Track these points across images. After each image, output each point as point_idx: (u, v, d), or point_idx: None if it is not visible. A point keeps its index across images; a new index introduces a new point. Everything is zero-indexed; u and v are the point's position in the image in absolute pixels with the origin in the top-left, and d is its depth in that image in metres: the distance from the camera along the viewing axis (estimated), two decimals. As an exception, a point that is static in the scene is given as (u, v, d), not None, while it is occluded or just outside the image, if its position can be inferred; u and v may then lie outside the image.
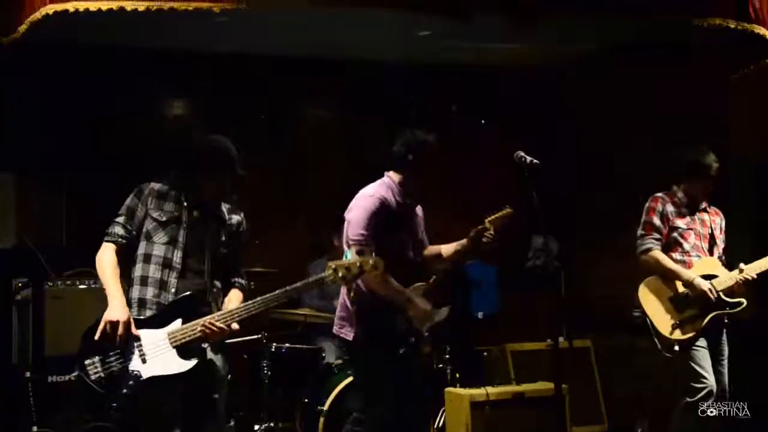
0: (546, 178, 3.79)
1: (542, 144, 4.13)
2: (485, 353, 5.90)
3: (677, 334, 4.41)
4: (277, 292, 3.55)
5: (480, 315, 6.10)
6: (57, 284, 5.06)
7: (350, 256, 3.58)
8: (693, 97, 5.73)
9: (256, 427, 4.97)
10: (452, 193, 5.05)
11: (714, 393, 4.37)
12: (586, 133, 6.61)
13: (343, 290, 4.05)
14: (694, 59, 5.50)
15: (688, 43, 5.31)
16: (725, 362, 4.50)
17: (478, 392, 4.84)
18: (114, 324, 3.36)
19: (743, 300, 4.45)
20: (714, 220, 4.66)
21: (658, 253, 4.50)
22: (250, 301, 3.56)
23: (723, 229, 4.70)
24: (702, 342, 4.44)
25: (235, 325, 3.50)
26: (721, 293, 4.41)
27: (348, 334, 3.99)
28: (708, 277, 4.45)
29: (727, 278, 4.44)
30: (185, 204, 3.61)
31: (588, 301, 4.93)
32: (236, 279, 3.79)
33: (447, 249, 4.22)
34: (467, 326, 6.03)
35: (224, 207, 3.72)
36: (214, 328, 3.44)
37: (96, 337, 3.38)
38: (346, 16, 4.90)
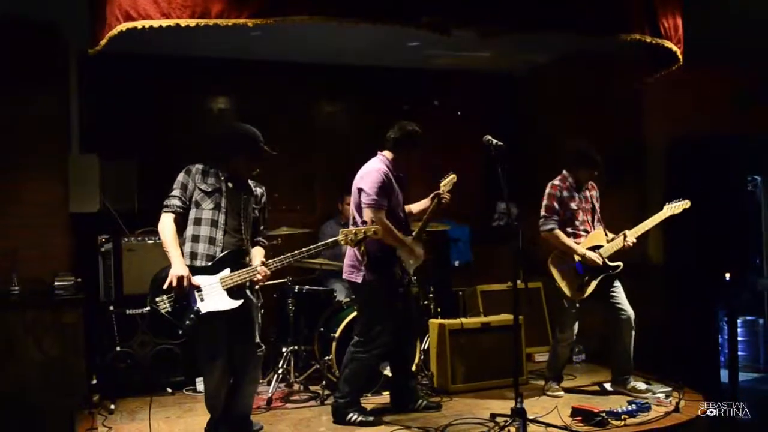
0: (507, 158, 3.93)
1: (502, 132, 4.19)
2: (460, 293, 5.99)
3: (578, 296, 4.56)
4: (304, 249, 3.71)
5: (456, 263, 6.22)
6: (131, 240, 5.10)
7: (365, 214, 3.79)
8: (618, 96, 5.73)
9: (284, 350, 5.01)
10: (434, 170, 5.11)
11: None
12: (536, 124, 6.61)
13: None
14: (619, 67, 5.50)
15: (614, 54, 5.29)
16: (620, 291, 4.64)
17: (455, 322, 4.95)
18: (178, 278, 3.48)
19: (620, 263, 4.56)
20: (592, 194, 4.72)
21: (558, 232, 4.56)
22: (288, 254, 3.68)
23: (597, 198, 4.75)
24: (617, 288, 4.62)
25: (268, 272, 3.65)
26: (606, 260, 4.53)
27: (357, 278, 4.16)
28: (595, 248, 4.56)
29: (609, 247, 4.56)
30: (222, 178, 3.69)
31: (539, 253, 5.01)
32: (259, 238, 3.89)
33: (416, 207, 4.43)
34: (447, 272, 6.17)
35: (250, 182, 3.82)
36: (268, 272, 3.61)
37: (164, 287, 3.49)
38: (352, 31, 4.90)
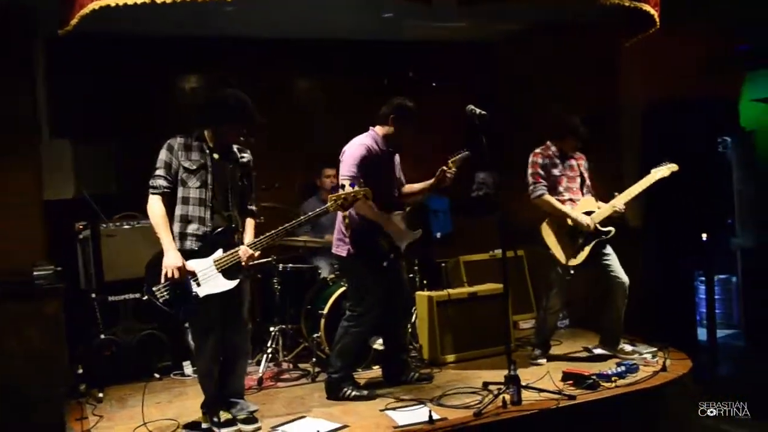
0: (491, 127, 3.90)
1: (480, 102, 4.15)
2: (444, 264, 6.00)
3: (573, 261, 4.57)
4: (293, 222, 3.67)
5: (438, 235, 6.16)
6: (109, 225, 4.99)
7: (346, 189, 3.69)
8: (593, 62, 5.74)
9: (272, 329, 4.98)
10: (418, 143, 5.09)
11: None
12: (513, 92, 6.60)
13: (339, 219, 4.17)
14: (596, 32, 5.48)
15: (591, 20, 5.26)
16: (613, 258, 4.67)
17: (442, 294, 4.97)
18: (173, 269, 3.42)
19: (612, 228, 4.58)
20: (580, 164, 4.75)
21: (548, 197, 4.57)
22: (272, 231, 3.60)
23: (587, 168, 4.78)
24: (610, 255, 4.64)
25: (252, 253, 3.56)
26: (597, 225, 4.55)
27: (342, 251, 4.17)
28: (587, 214, 4.58)
29: (602, 212, 4.58)
30: (207, 152, 3.59)
31: (519, 221, 5.01)
32: (251, 207, 3.80)
33: (418, 186, 4.36)
34: (429, 244, 6.06)
35: (235, 148, 3.71)
36: (251, 253, 3.53)
37: (162, 281, 3.43)
38: (326, 3, 4.83)
